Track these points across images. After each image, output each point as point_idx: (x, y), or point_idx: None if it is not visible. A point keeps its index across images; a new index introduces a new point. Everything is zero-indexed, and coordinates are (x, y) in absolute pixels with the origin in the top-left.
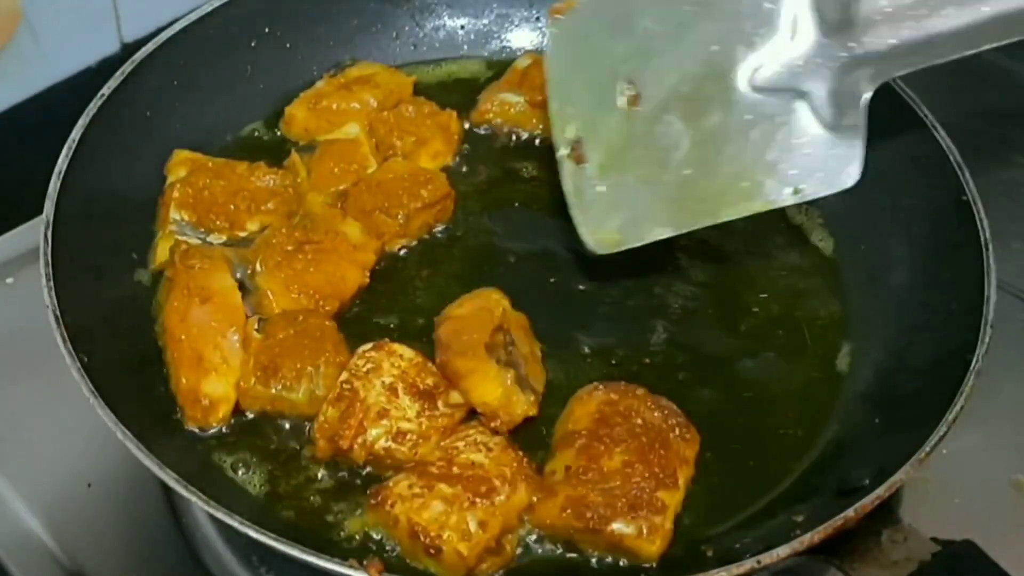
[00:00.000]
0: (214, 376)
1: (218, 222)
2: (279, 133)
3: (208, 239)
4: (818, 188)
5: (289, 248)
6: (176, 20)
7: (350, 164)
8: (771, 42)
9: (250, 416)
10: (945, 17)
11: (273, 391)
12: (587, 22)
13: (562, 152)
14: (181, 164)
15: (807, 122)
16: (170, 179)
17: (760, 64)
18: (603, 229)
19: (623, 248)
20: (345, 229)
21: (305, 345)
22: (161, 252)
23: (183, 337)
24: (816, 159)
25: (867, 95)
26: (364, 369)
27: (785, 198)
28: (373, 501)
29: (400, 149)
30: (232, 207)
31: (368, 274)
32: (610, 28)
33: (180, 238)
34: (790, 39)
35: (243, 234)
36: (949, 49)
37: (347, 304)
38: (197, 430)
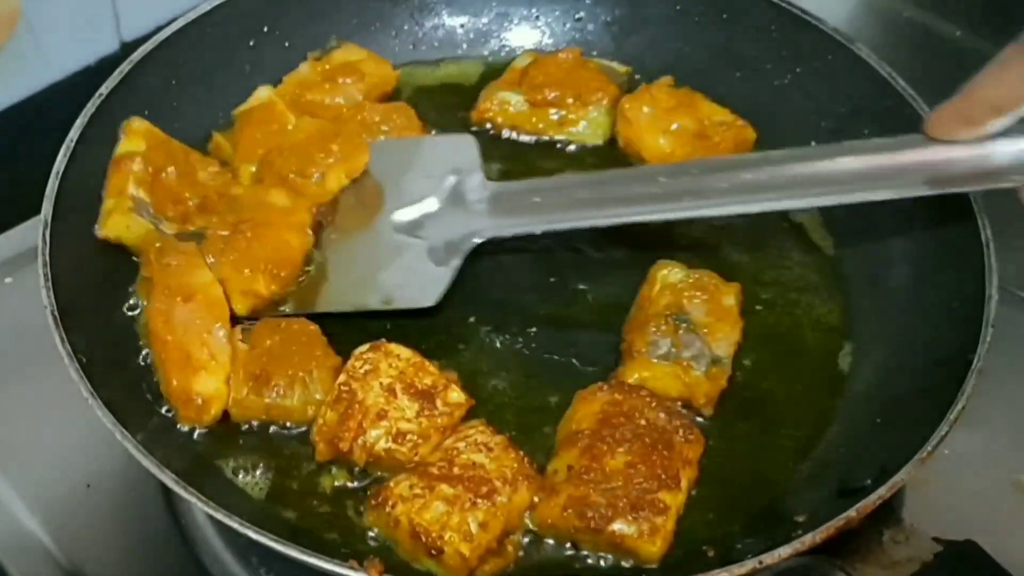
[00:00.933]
0: (204, 374)
1: (170, 212)
2: None
3: (161, 226)
4: (404, 301)
5: (226, 233)
6: (175, 19)
7: (270, 126)
8: (419, 205)
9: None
10: (548, 195)
11: (267, 400)
12: None
13: None
14: (137, 134)
15: (419, 257)
16: (126, 147)
17: (406, 216)
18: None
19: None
20: (270, 199)
21: (293, 351)
22: (112, 224)
23: (169, 338)
24: (413, 281)
25: (473, 246)
26: (362, 371)
27: (376, 305)
28: (374, 502)
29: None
30: (186, 201)
31: (310, 233)
32: None
33: (138, 217)
34: (435, 209)
35: (192, 228)
36: (560, 219)
37: (300, 269)
38: (189, 428)
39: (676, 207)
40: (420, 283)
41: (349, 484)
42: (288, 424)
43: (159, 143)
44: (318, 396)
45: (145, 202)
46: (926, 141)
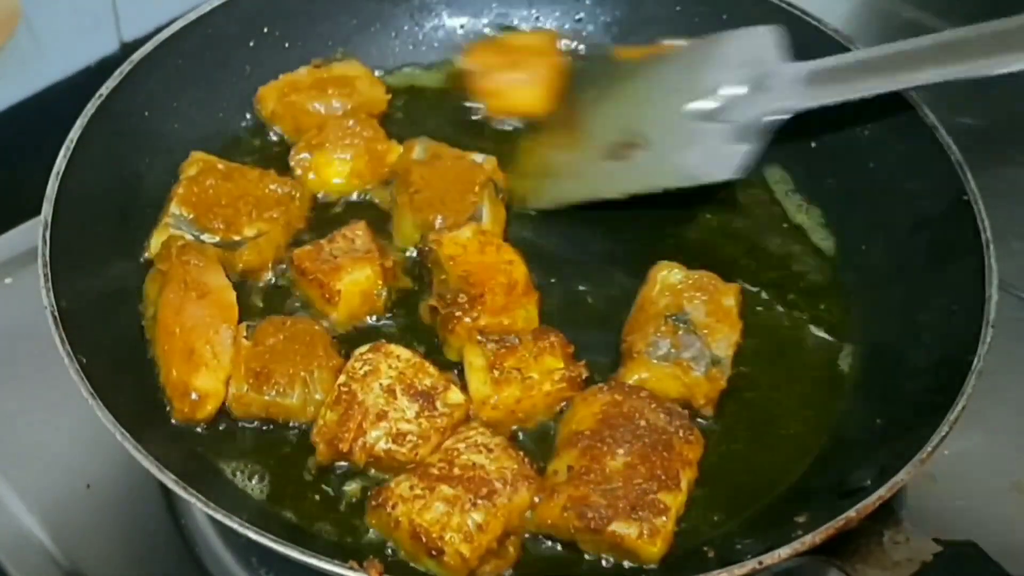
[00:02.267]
0: (204, 371)
1: (215, 223)
2: (275, 132)
3: (201, 237)
4: (702, 175)
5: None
6: (175, 20)
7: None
8: (716, 88)
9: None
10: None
11: (267, 397)
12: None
13: None
14: (194, 164)
15: (719, 139)
16: (181, 177)
17: (699, 101)
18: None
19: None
20: None
21: (296, 350)
22: (155, 244)
23: (177, 330)
24: (712, 158)
25: (784, 115)
26: (361, 372)
27: (677, 182)
28: (374, 503)
29: None
30: (233, 210)
31: None
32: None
33: (174, 232)
34: (728, 97)
35: (237, 238)
36: (867, 87)
37: None
38: (187, 428)
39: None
40: (722, 157)
41: (349, 485)
42: (289, 424)
43: (210, 167)
44: (318, 396)
45: (185, 218)
46: None
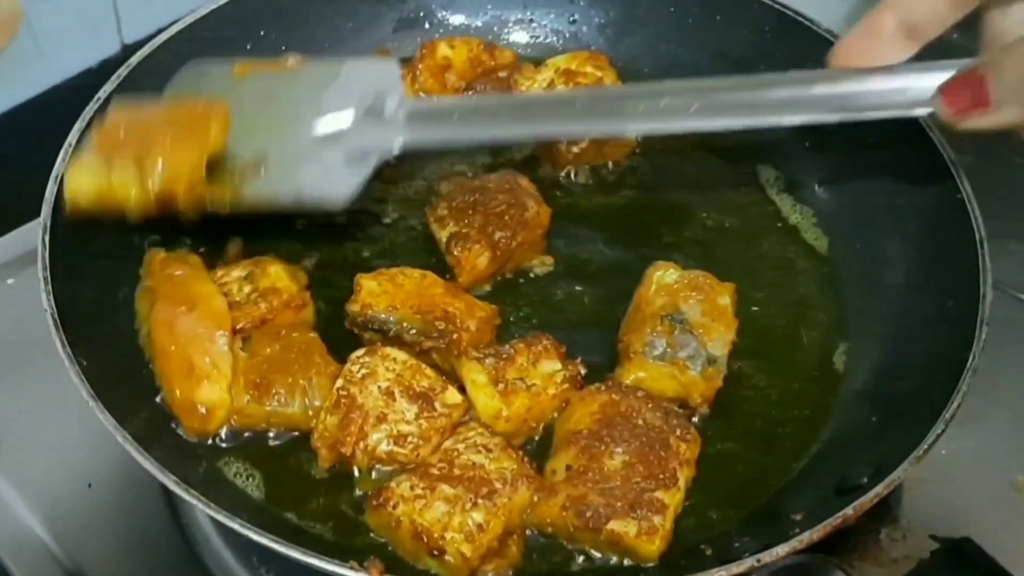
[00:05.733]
0: (207, 383)
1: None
2: None
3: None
4: (316, 196)
5: None
6: (175, 22)
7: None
8: (337, 110)
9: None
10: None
11: (268, 408)
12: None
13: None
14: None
15: (335, 159)
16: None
17: (321, 122)
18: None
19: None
20: None
21: (293, 359)
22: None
23: (172, 348)
24: (327, 180)
25: (393, 149)
26: (359, 375)
27: (289, 197)
28: (375, 502)
29: None
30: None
31: None
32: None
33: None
34: (351, 120)
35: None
36: (476, 133)
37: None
38: (196, 439)
39: (591, 124)
40: (334, 181)
41: (349, 484)
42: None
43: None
44: (317, 403)
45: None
46: (837, 73)
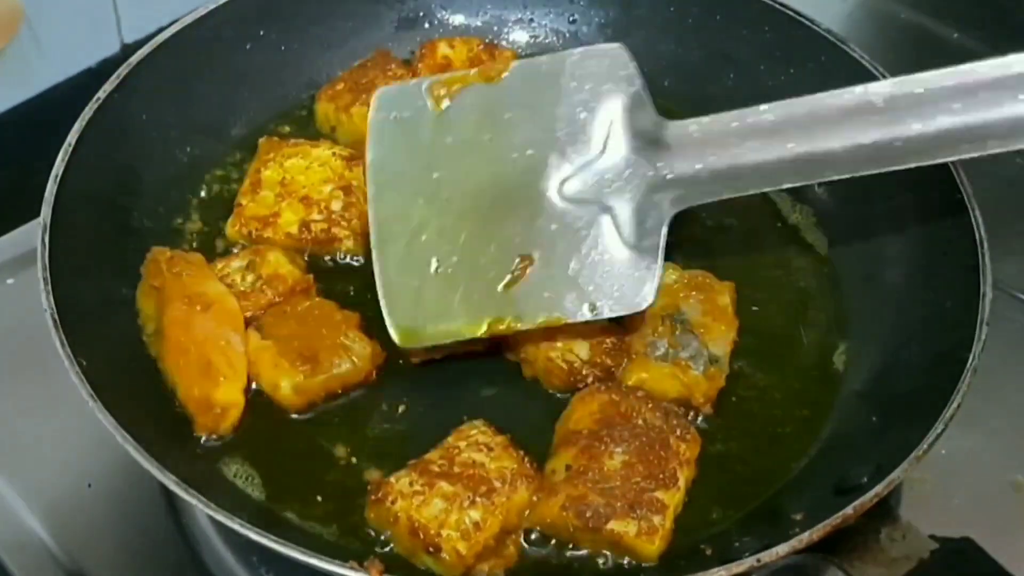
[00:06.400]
0: (224, 383)
1: None
2: (273, 135)
3: None
4: (613, 307)
5: None
6: (176, 21)
7: None
8: (582, 153)
9: (250, 418)
10: (750, 150)
11: (323, 377)
12: (414, 106)
13: (374, 237)
14: None
15: (610, 238)
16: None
17: (570, 174)
18: (407, 320)
19: (425, 345)
20: None
21: (318, 327)
22: None
23: (191, 347)
24: (614, 277)
25: (668, 218)
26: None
27: (582, 315)
28: (374, 497)
29: None
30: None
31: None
32: (434, 120)
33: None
34: (600, 152)
35: None
36: (753, 182)
37: None
38: (206, 438)
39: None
40: (626, 278)
41: (349, 484)
42: (289, 423)
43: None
44: (358, 357)
45: None
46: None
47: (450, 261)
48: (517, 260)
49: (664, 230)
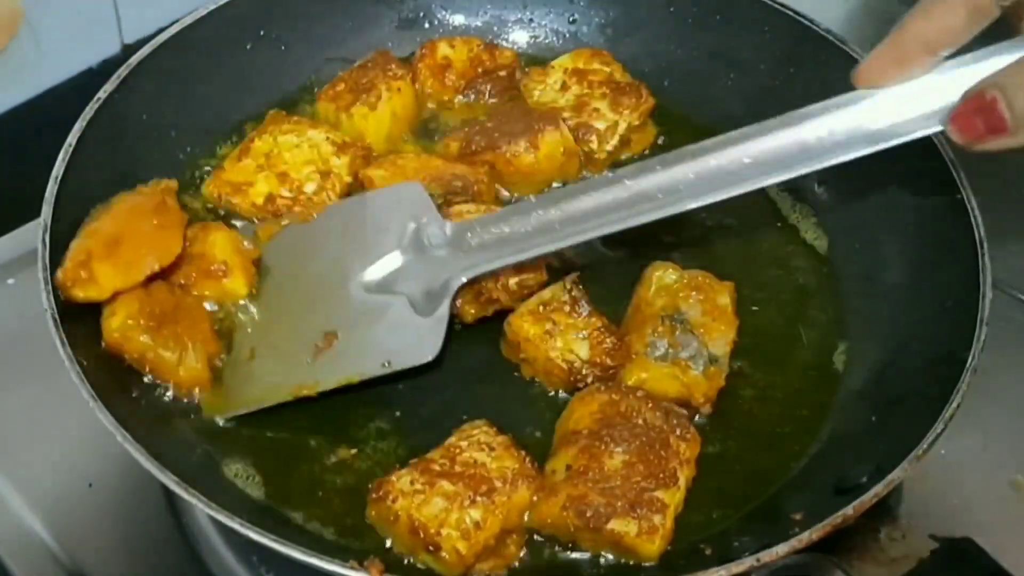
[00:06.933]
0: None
1: None
2: None
3: None
4: (404, 361)
5: None
6: (176, 21)
7: None
8: (382, 260)
9: (251, 417)
10: (520, 222)
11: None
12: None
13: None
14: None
15: (404, 313)
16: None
17: (372, 276)
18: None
19: (232, 413)
20: None
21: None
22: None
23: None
24: (406, 339)
25: (455, 289)
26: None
27: (376, 370)
28: (374, 495)
29: None
30: None
31: None
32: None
33: None
34: (399, 261)
35: None
36: (528, 247)
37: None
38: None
39: (648, 208)
40: (415, 338)
41: (349, 483)
42: (290, 424)
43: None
44: (187, 364)
45: None
46: (857, 97)
47: (267, 347)
48: (323, 337)
49: (449, 301)
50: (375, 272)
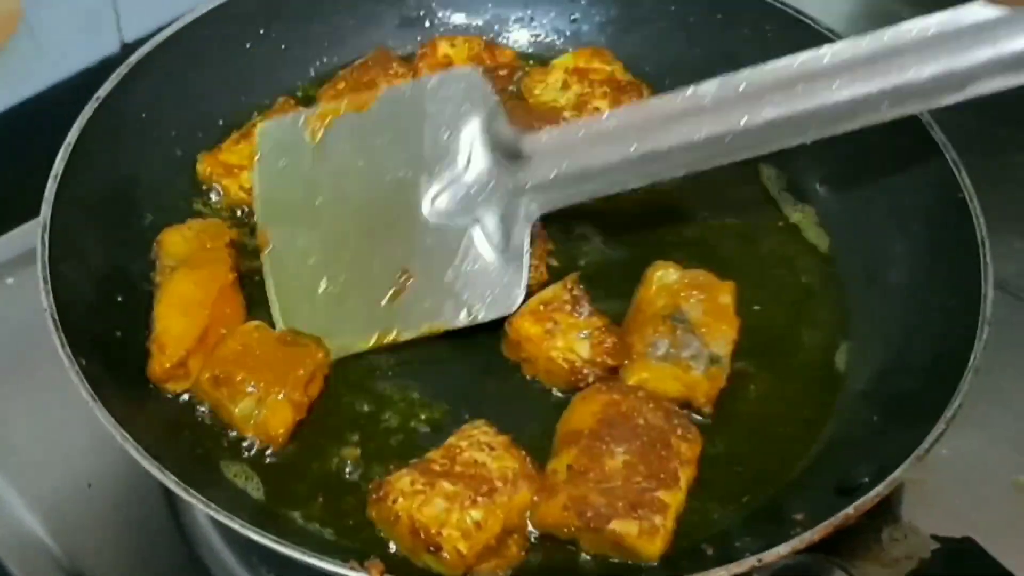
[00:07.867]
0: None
1: None
2: None
3: None
4: (488, 312)
5: None
6: (176, 20)
7: None
8: (448, 170)
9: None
10: (598, 154)
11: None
12: (293, 140)
13: (266, 267)
14: None
15: (480, 247)
16: None
17: (439, 191)
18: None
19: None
20: None
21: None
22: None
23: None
24: (487, 284)
25: (532, 223)
26: None
27: (460, 320)
28: (375, 495)
29: None
30: None
31: None
32: (312, 152)
33: None
34: (464, 168)
35: None
36: (604, 185)
37: None
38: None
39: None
40: (498, 284)
41: (349, 483)
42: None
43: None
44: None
45: None
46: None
47: (338, 281)
48: (398, 275)
49: (527, 234)
50: (442, 188)
